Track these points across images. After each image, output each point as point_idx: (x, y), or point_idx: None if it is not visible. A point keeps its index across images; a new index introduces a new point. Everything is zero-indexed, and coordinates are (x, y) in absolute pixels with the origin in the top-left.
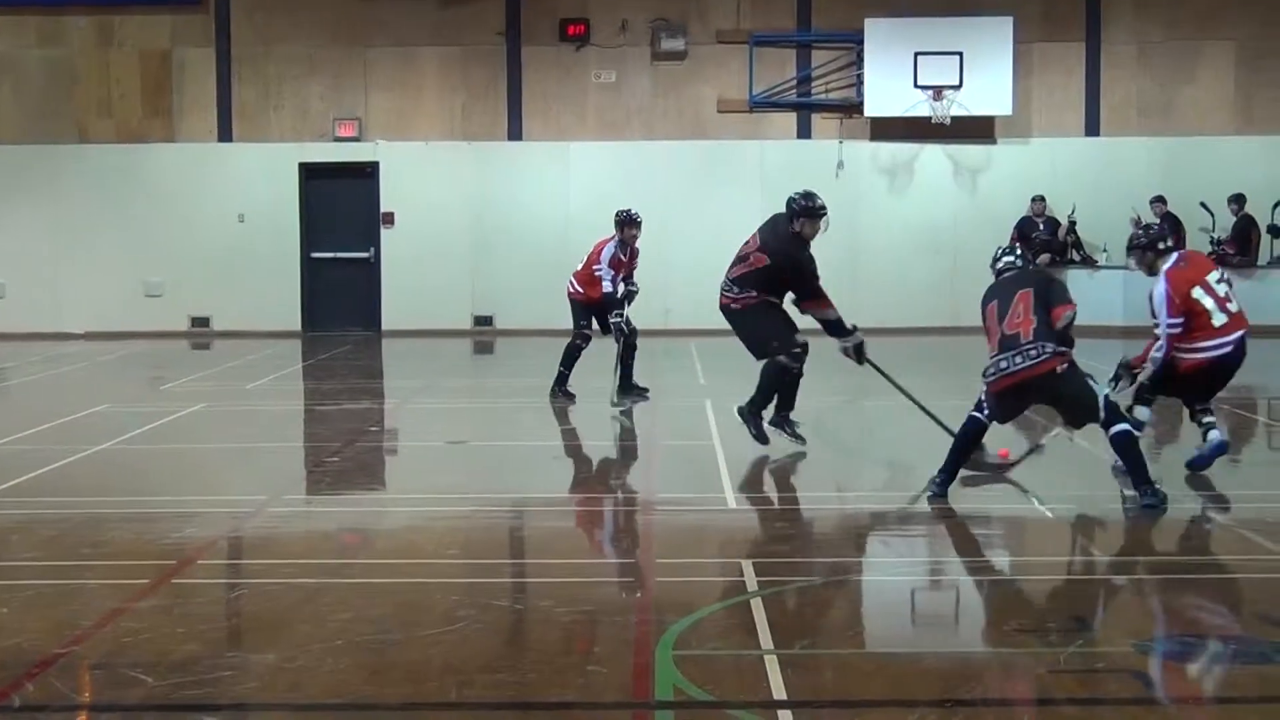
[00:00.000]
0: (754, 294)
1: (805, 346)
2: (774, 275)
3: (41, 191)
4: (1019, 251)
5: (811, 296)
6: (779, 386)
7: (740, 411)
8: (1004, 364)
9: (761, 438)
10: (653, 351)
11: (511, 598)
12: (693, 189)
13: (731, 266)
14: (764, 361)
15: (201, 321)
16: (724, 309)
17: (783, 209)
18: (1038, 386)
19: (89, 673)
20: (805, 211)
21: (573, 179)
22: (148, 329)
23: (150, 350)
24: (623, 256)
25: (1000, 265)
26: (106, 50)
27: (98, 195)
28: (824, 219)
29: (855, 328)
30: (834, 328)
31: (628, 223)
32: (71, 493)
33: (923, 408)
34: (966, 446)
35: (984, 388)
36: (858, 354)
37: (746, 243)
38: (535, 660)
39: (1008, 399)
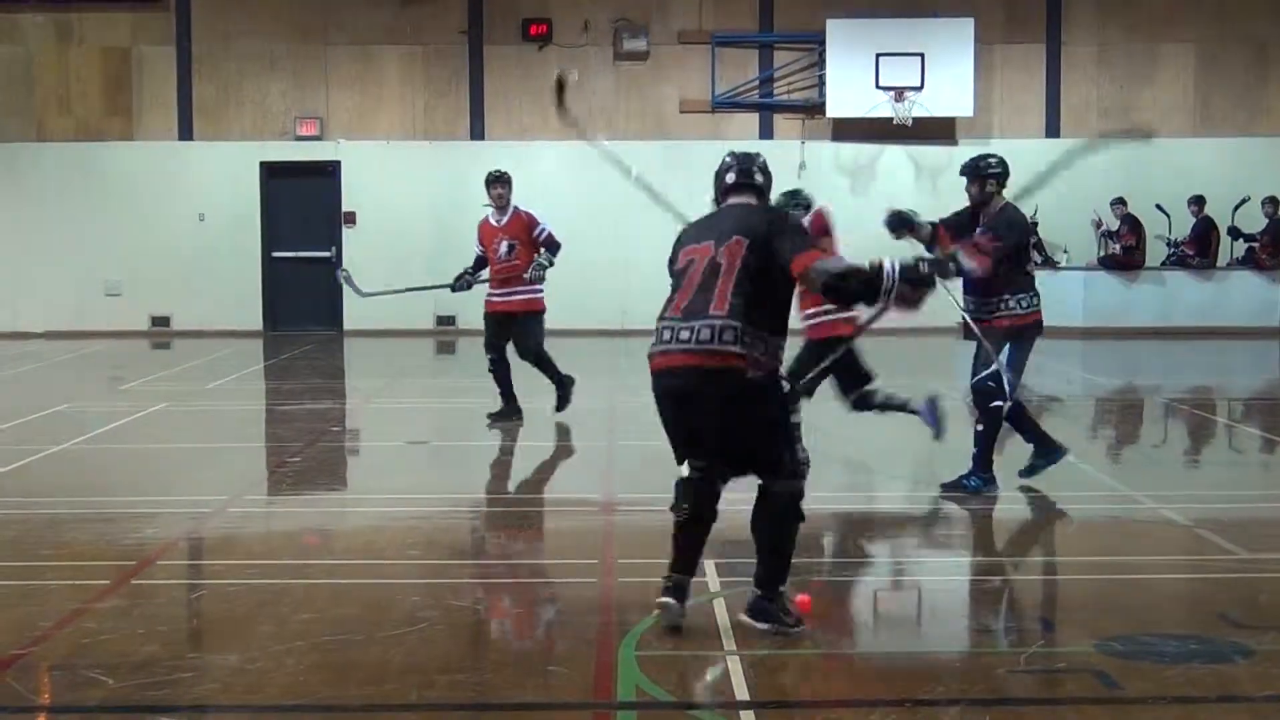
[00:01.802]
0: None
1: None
2: (757, 263)
3: None
4: None
5: (806, 249)
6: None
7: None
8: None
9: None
10: (612, 352)
11: (473, 598)
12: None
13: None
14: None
15: (162, 321)
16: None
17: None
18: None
19: (48, 674)
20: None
21: (534, 178)
22: (107, 328)
23: (110, 350)
24: (493, 222)
25: None
26: (66, 47)
27: (57, 194)
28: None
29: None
30: (862, 286)
31: (489, 183)
32: (31, 493)
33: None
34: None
35: None
36: (942, 272)
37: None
38: (496, 660)
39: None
